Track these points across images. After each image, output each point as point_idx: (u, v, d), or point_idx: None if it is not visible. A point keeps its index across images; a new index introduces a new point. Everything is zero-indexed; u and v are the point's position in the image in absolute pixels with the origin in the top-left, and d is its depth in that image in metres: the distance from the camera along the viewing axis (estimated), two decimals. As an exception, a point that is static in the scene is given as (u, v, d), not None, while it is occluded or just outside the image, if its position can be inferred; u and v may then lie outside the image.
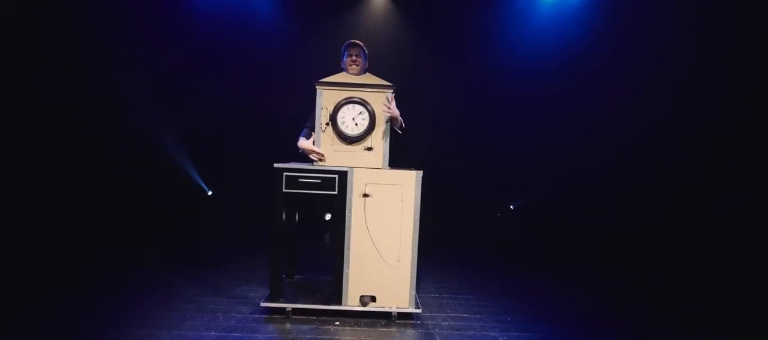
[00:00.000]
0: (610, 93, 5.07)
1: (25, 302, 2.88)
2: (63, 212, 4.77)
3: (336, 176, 2.72)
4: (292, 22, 5.28)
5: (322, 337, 2.51)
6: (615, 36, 5.02)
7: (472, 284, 3.65)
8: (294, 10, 5.27)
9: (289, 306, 2.75)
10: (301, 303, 2.78)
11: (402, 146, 2.96)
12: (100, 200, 4.95)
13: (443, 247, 4.72)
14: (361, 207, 2.73)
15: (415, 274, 2.75)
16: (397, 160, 2.87)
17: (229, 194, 5.42)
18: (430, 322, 2.79)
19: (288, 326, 2.64)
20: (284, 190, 2.70)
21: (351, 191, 2.73)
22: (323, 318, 2.74)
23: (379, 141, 2.77)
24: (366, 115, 2.75)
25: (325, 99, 2.76)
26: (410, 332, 2.65)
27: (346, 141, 2.76)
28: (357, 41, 3.03)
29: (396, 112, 2.76)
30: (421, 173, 2.74)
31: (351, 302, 2.75)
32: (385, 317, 2.77)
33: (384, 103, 2.73)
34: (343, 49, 3.04)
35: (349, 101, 2.75)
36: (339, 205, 2.74)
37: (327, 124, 2.76)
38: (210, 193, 5.46)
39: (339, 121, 2.74)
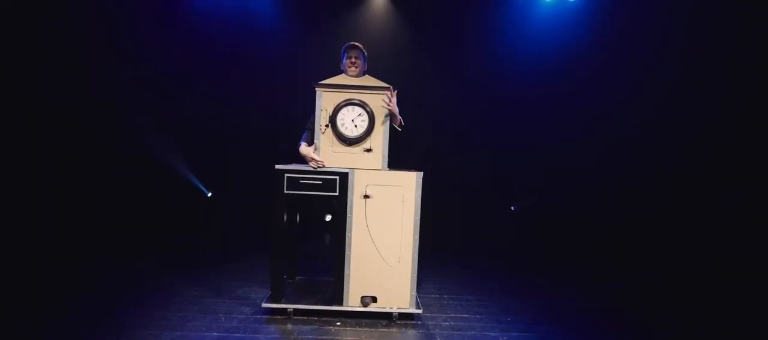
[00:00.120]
0: (609, 93, 5.08)
1: (25, 302, 2.88)
2: (63, 212, 4.77)
3: (337, 177, 2.73)
4: (292, 22, 5.27)
5: (324, 337, 2.52)
6: (614, 37, 5.02)
7: (472, 284, 3.66)
8: (294, 11, 5.26)
9: (291, 307, 2.76)
10: (303, 304, 2.79)
11: (402, 146, 2.98)
12: (100, 200, 4.95)
13: (443, 247, 4.73)
14: (362, 208, 2.74)
15: (415, 275, 2.76)
16: (397, 161, 2.88)
17: (228, 194, 5.41)
18: (430, 322, 2.80)
19: (289, 326, 2.65)
20: (286, 191, 2.71)
21: (352, 192, 2.73)
22: (324, 319, 2.75)
23: (379, 142, 2.78)
24: (365, 117, 2.76)
25: (325, 101, 2.77)
26: (411, 332, 2.66)
27: (345, 142, 2.77)
28: (356, 43, 3.05)
29: (395, 109, 2.78)
30: (421, 174, 2.75)
31: (352, 303, 2.76)
32: (386, 318, 2.78)
33: (384, 99, 2.74)
34: (342, 51, 3.06)
35: (348, 103, 2.76)
36: (340, 206, 2.75)
37: (326, 125, 2.77)
38: (209, 194, 5.45)
39: (338, 122, 2.76)
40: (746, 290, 3.71)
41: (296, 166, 2.78)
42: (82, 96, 4.81)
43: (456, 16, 5.31)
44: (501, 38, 5.31)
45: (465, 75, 5.36)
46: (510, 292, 3.49)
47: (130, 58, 4.98)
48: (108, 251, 4.26)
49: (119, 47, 4.93)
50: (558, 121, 5.26)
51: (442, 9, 5.29)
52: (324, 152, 2.78)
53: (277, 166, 2.73)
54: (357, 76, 2.97)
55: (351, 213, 2.74)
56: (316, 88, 2.77)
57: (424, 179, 2.74)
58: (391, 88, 2.77)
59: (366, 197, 2.73)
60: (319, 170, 2.73)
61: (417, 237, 2.75)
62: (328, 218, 2.92)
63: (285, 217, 2.76)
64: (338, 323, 2.70)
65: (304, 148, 2.84)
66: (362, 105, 2.76)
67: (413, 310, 2.77)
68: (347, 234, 2.74)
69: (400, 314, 2.77)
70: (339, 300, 2.76)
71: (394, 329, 2.67)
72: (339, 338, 2.53)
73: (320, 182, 2.72)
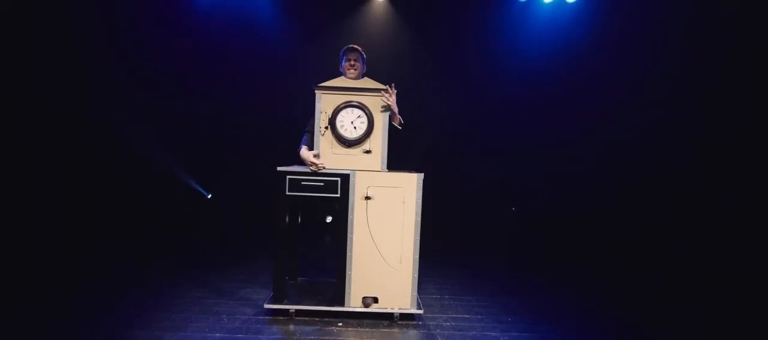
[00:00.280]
0: (609, 94, 5.09)
1: (25, 302, 2.89)
2: (63, 212, 4.76)
3: (338, 179, 2.74)
4: (292, 23, 5.27)
5: (326, 338, 2.53)
6: (614, 37, 5.04)
7: (472, 284, 3.67)
8: (294, 12, 5.26)
9: (293, 308, 2.76)
10: (305, 305, 2.79)
11: (402, 146, 2.99)
12: (100, 200, 4.95)
13: (444, 248, 4.74)
14: (363, 209, 2.75)
15: (416, 275, 2.77)
16: (397, 161, 2.90)
17: (229, 195, 5.41)
18: (431, 323, 2.81)
19: (291, 327, 2.66)
20: (287, 193, 2.72)
21: (353, 194, 2.74)
22: (326, 319, 2.76)
23: (378, 144, 2.79)
24: (364, 119, 2.77)
25: (324, 103, 2.78)
26: (412, 332, 2.67)
27: (345, 144, 2.78)
28: (355, 46, 3.07)
29: (395, 106, 2.80)
30: (422, 175, 2.76)
31: (354, 304, 2.77)
32: (387, 318, 2.79)
33: (383, 96, 2.76)
34: (341, 53, 3.09)
35: (347, 105, 2.77)
36: (341, 207, 2.75)
37: (326, 127, 2.78)
38: (209, 196, 5.45)
39: (338, 124, 2.77)
40: (746, 290, 3.72)
41: (298, 167, 2.79)
42: (82, 96, 4.80)
43: (456, 17, 5.31)
44: (501, 39, 5.32)
45: (465, 76, 5.37)
46: (510, 292, 3.50)
47: (130, 58, 4.98)
48: (108, 251, 4.26)
49: (119, 47, 4.93)
50: (558, 121, 5.27)
51: (442, 10, 5.29)
52: (323, 154, 2.79)
53: (279, 168, 2.74)
54: (356, 78, 3.00)
55: (352, 214, 2.75)
56: (316, 91, 2.79)
57: (424, 180, 2.75)
58: (392, 85, 2.78)
59: (367, 198, 2.74)
60: (320, 171, 2.74)
61: (418, 238, 2.76)
62: (329, 219, 2.93)
63: (287, 218, 2.77)
64: (340, 324, 2.71)
65: (304, 152, 2.85)
66: (361, 107, 2.77)
67: (414, 310, 2.78)
68: (349, 235, 2.75)
69: (401, 314, 2.78)
70: (340, 301, 2.77)
71: (396, 330, 2.68)
72: (341, 338, 2.54)
73: (322, 184, 2.73)
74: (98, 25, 4.81)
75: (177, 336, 2.48)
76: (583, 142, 5.16)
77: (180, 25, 5.11)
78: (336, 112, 2.77)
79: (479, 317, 2.95)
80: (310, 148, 2.85)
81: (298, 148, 2.91)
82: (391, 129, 2.84)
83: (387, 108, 2.78)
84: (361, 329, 2.65)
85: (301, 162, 2.85)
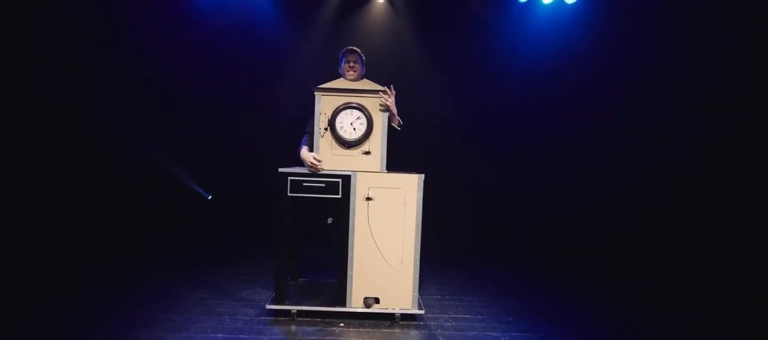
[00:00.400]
0: (609, 94, 5.09)
1: (25, 302, 2.89)
2: (63, 212, 4.76)
3: (339, 180, 2.75)
4: (292, 23, 5.26)
5: (327, 338, 2.54)
6: (613, 38, 5.04)
7: (473, 284, 3.68)
8: (294, 12, 5.26)
9: (294, 308, 2.77)
10: (306, 305, 2.80)
11: (402, 146, 2.99)
12: (100, 200, 4.94)
13: (444, 248, 4.74)
14: (364, 210, 2.75)
15: (417, 276, 2.78)
16: (397, 161, 2.90)
17: (229, 196, 5.40)
18: (432, 323, 2.82)
19: (293, 327, 2.66)
20: (289, 194, 2.72)
21: (354, 195, 2.75)
22: (328, 320, 2.76)
23: (377, 145, 2.80)
24: (364, 120, 2.78)
25: (324, 105, 2.79)
26: (413, 333, 2.68)
27: (344, 145, 2.79)
28: (354, 48, 3.08)
29: (393, 107, 2.81)
30: (422, 176, 2.76)
31: (355, 304, 2.78)
32: (388, 319, 2.80)
33: (382, 96, 2.76)
34: (340, 55, 3.10)
35: (347, 107, 2.78)
36: (342, 208, 2.76)
37: (325, 129, 2.79)
38: (209, 197, 5.45)
39: (337, 126, 2.78)
40: (746, 291, 3.73)
41: (299, 169, 2.80)
42: (82, 96, 4.80)
43: (456, 18, 5.31)
44: (500, 39, 5.32)
45: (465, 76, 5.37)
46: (511, 292, 3.51)
47: (130, 58, 4.97)
48: (108, 252, 4.26)
49: (119, 47, 4.92)
50: (558, 121, 5.27)
51: (442, 10, 5.29)
52: (323, 155, 2.79)
53: (281, 170, 2.75)
54: (355, 79, 3.01)
55: (353, 215, 2.75)
56: (315, 92, 2.80)
57: (424, 180, 2.76)
58: (391, 86, 2.79)
59: (368, 199, 2.75)
60: (321, 172, 2.75)
61: (419, 239, 2.77)
62: (330, 220, 2.93)
63: (288, 219, 2.77)
64: (341, 324, 2.72)
65: (304, 153, 2.85)
66: (361, 108, 2.78)
67: (415, 311, 2.79)
68: (350, 236, 2.76)
69: (402, 314, 2.79)
70: (342, 301, 2.78)
71: (397, 330, 2.69)
72: (342, 338, 2.55)
73: (323, 185, 2.74)
74: (98, 25, 4.80)
75: (179, 337, 2.48)
76: (583, 142, 5.17)
77: (180, 25, 5.09)
78: (335, 113, 2.78)
79: (480, 317, 2.96)
80: (310, 149, 2.86)
81: (299, 149, 2.91)
82: (390, 130, 2.86)
83: (386, 109, 2.80)
84: (363, 330, 2.66)
85: (302, 163, 2.86)
